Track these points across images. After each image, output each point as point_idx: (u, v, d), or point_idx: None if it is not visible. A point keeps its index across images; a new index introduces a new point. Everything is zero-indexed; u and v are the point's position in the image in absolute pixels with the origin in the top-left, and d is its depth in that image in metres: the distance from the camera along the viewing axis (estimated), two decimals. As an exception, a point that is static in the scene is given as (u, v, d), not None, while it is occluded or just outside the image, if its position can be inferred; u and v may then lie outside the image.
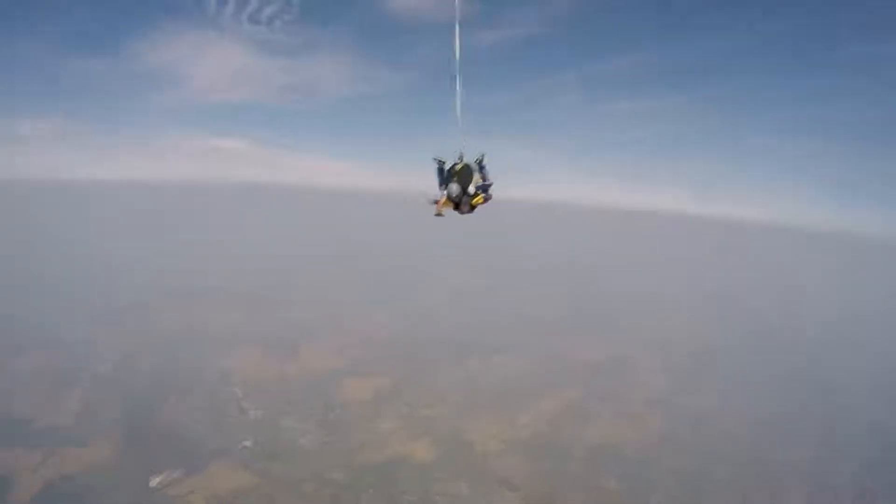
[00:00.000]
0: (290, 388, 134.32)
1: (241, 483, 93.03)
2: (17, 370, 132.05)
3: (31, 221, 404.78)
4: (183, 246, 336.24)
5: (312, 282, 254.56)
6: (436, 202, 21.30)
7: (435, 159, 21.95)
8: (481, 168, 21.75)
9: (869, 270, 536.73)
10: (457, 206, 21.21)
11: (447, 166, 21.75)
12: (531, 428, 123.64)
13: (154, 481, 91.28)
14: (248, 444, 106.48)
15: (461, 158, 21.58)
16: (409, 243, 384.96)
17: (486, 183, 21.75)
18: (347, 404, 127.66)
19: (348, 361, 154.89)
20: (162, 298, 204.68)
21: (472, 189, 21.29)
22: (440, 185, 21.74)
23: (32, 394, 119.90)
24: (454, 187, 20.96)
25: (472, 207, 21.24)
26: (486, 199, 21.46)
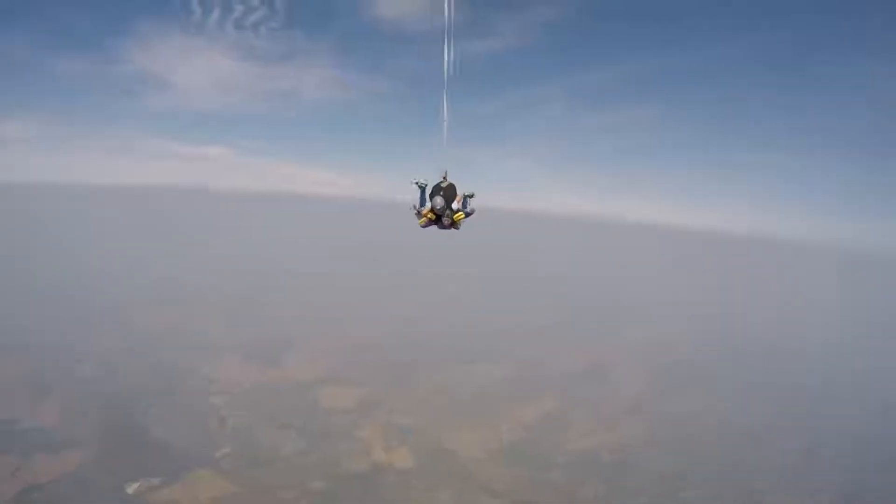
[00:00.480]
0: (270, 395, 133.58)
1: (219, 491, 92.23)
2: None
3: (10, 223, 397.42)
4: (165, 251, 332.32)
5: (294, 289, 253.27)
6: (418, 211, 21.47)
7: (415, 183, 21.66)
8: (465, 202, 21.87)
9: (851, 282, 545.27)
10: (438, 219, 21.44)
11: (429, 187, 21.65)
12: (512, 435, 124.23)
13: (131, 488, 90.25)
14: (227, 451, 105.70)
15: (446, 177, 21.59)
16: (392, 251, 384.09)
17: (468, 210, 21.99)
18: (329, 412, 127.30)
19: (330, 369, 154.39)
20: (143, 304, 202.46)
21: (455, 205, 21.53)
22: (421, 203, 21.66)
23: (10, 397, 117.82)
24: (439, 200, 21.19)
25: (453, 223, 21.57)
26: (466, 215, 21.78)
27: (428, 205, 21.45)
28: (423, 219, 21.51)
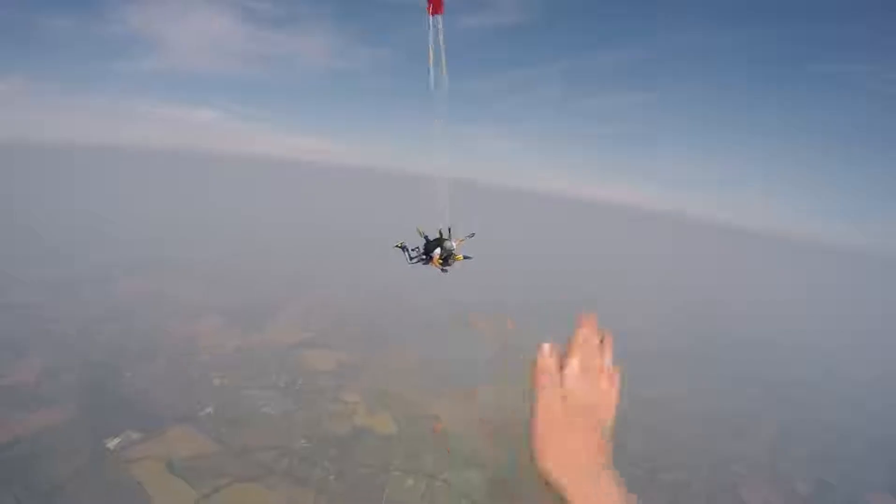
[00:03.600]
0: (254, 357, 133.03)
1: (199, 449, 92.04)
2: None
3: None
4: (150, 214, 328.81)
5: (281, 255, 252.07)
6: (402, 247, 21.55)
7: (398, 246, 21.73)
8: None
9: (834, 276, 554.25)
10: (444, 262, 21.64)
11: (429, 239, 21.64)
12: (495, 408, 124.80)
13: (111, 443, 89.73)
14: (209, 410, 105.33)
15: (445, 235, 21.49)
16: (381, 220, 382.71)
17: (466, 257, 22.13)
18: (312, 375, 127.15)
19: (314, 334, 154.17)
20: (127, 266, 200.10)
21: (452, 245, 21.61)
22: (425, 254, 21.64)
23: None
24: (448, 246, 21.37)
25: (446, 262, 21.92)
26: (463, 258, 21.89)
27: (435, 254, 21.39)
28: (435, 264, 21.62)
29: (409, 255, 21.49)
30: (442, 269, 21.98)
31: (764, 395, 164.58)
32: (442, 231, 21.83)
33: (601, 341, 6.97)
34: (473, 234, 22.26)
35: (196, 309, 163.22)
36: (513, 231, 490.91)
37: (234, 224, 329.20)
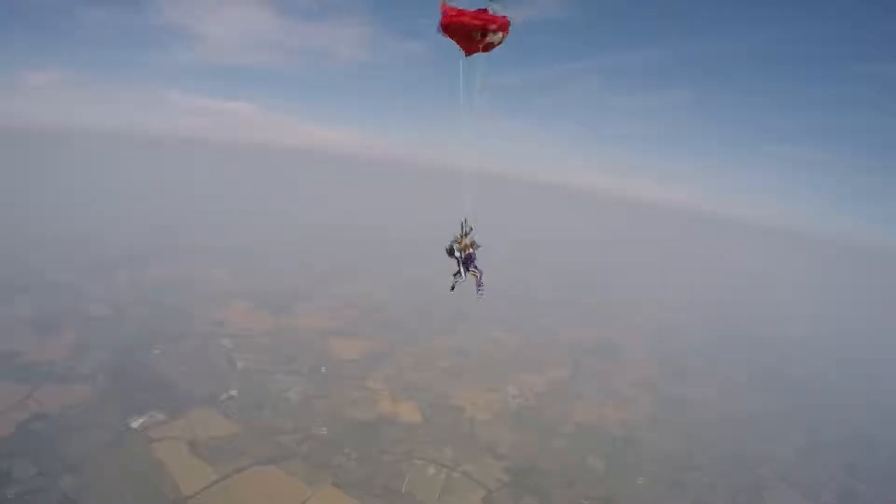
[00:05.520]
0: (280, 343, 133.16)
1: (222, 430, 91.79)
2: (10, 310, 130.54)
3: (35, 169, 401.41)
4: (183, 201, 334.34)
5: (311, 244, 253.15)
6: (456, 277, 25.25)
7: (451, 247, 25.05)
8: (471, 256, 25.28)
9: (867, 279, 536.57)
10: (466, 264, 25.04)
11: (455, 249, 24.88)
12: (519, 400, 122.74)
13: (135, 423, 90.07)
14: (233, 393, 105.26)
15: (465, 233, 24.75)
16: (411, 213, 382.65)
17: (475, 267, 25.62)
18: (337, 362, 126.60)
19: (340, 322, 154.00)
20: (159, 251, 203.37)
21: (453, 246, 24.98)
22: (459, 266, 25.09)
23: (23, 332, 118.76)
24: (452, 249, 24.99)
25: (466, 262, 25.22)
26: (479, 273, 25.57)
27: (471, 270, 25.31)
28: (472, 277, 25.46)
29: (460, 269, 24.97)
30: (477, 286, 25.58)
31: (794, 396, 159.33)
32: (463, 223, 24.54)
33: None
34: (472, 229, 24.74)
35: (225, 294, 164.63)
36: (544, 226, 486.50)
37: (266, 213, 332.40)
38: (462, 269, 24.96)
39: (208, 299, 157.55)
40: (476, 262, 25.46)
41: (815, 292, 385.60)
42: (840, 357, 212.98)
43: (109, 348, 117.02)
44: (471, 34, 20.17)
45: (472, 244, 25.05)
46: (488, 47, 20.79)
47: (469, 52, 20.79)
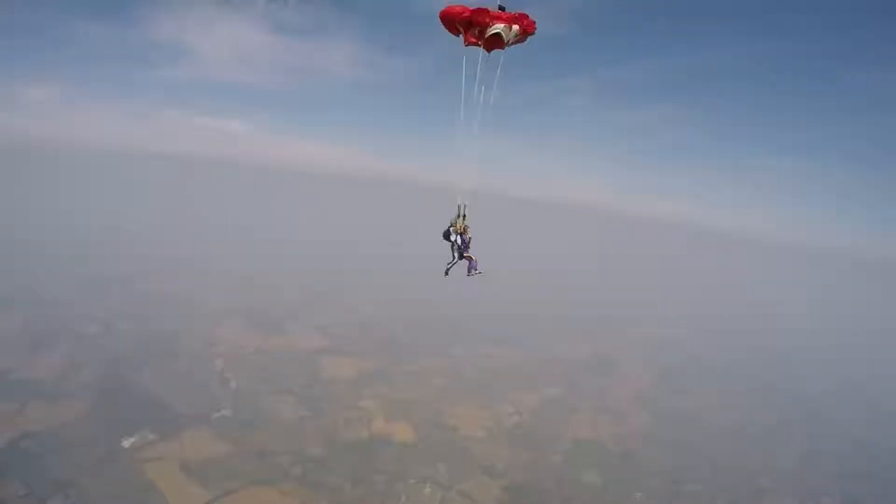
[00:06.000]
0: (273, 362, 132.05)
1: (213, 450, 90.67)
2: (1, 325, 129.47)
3: (31, 184, 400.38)
4: (177, 219, 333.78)
5: (305, 262, 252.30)
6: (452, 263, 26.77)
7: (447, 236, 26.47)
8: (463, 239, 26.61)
9: (863, 290, 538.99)
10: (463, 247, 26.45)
11: (452, 233, 26.18)
12: (515, 418, 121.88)
13: (127, 442, 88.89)
14: (226, 413, 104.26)
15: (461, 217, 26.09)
16: (406, 231, 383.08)
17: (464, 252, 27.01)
18: (330, 382, 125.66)
19: (334, 341, 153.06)
20: (153, 268, 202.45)
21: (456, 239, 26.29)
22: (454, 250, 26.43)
23: (14, 348, 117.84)
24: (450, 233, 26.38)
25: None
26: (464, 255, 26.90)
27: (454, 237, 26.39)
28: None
29: (454, 254, 26.22)
30: (469, 268, 26.87)
31: (793, 407, 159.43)
32: (460, 206, 25.60)
33: None
34: (466, 216, 25.95)
35: (218, 312, 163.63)
36: (542, 244, 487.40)
37: (260, 232, 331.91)
38: (456, 254, 26.23)
39: (201, 318, 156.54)
40: (469, 250, 26.78)
41: (814, 304, 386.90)
42: (839, 368, 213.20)
43: (101, 366, 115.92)
44: (467, 25, 21.49)
45: (467, 229, 26.35)
46: (498, 42, 21.89)
47: (469, 41, 21.94)
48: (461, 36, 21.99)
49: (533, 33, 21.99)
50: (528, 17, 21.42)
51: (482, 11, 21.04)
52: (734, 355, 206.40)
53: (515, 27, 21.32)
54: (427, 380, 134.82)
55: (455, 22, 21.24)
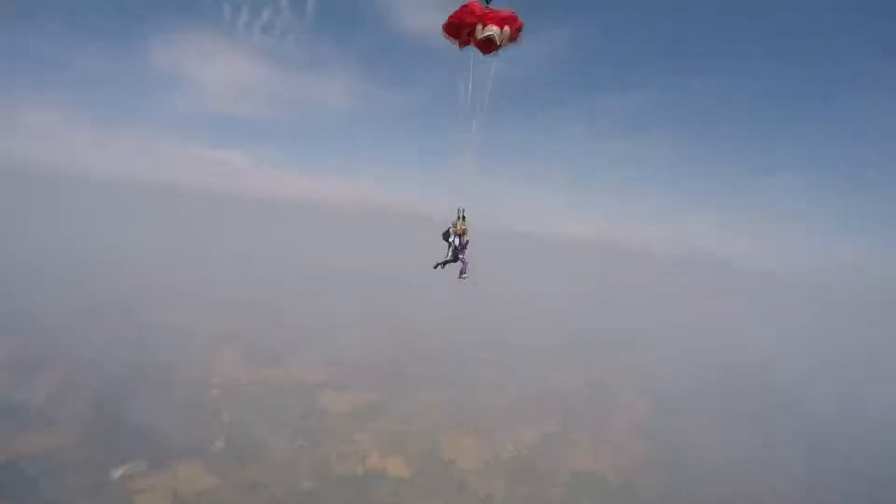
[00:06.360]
0: (268, 394, 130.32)
1: (205, 483, 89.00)
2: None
3: (28, 209, 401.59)
4: (175, 249, 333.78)
5: (302, 294, 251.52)
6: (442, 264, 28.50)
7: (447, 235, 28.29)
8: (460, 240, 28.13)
9: (855, 317, 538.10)
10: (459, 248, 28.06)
11: (451, 233, 27.88)
12: (513, 450, 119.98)
13: (117, 471, 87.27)
14: (219, 444, 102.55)
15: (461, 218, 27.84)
16: (404, 263, 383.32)
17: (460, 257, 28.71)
18: (326, 415, 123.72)
19: (331, 374, 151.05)
20: (150, 296, 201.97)
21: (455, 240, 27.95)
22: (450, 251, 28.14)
23: (10, 372, 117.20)
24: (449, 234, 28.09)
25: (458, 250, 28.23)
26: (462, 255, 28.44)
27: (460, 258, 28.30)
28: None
29: (448, 253, 27.85)
30: (460, 272, 28.64)
31: (792, 432, 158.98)
32: (459, 210, 27.32)
33: None
34: (465, 219, 27.68)
35: (215, 341, 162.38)
36: (536, 273, 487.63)
37: (260, 261, 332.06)
38: (451, 253, 27.77)
39: (198, 347, 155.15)
40: (465, 253, 28.33)
41: (812, 331, 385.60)
42: (838, 392, 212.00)
43: (96, 392, 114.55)
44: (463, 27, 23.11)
45: (466, 231, 27.89)
46: (492, 45, 23.52)
47: (463, 42, 23.62)
48: (457, 42, 23.91)
49: (521, 32, 23.69)
50: (516, 18, 22.90)
51: (469, 8, 22.75)
52: (731, 381, 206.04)
53: (506, 29, 23.00)
54: (424, 413, 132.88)
55: (455, 26, 22.86)
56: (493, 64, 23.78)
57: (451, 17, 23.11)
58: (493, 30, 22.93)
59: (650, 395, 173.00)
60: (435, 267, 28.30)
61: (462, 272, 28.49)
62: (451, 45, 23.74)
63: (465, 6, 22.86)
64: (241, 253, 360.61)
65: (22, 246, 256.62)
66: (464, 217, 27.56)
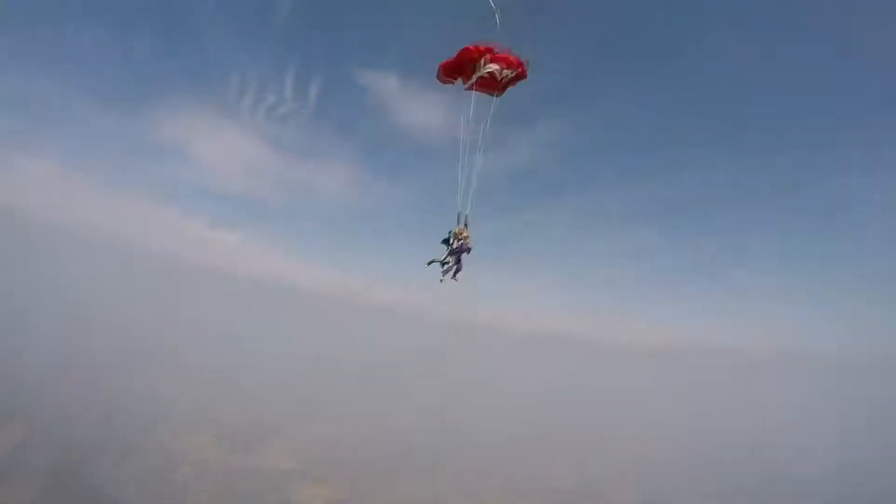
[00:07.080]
0: (239, 480, 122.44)
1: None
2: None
3: (13, 258, 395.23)
4: (162, 317, 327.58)
5: (283, 378, 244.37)
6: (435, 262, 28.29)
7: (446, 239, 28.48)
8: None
9: (861, 395, 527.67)
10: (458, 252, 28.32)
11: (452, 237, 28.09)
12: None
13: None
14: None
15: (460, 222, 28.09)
16: (390, 355, 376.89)
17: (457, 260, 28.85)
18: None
19: (306, 464, 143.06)
20: (127, 361, 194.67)
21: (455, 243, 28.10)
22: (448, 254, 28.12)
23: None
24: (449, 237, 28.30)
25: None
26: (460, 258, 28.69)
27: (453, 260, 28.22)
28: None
29: (445, 259, 27.87)
30: (454, 273, 28.19)
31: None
32: (459, 215, 27.72)
33: None
34: (467, 225, 27.92)
35: (189, 417, 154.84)
36: (523, 370, 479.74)
37: (243, 343, 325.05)
38: (449, 256, 27.75)
39: (171, 420, 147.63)
40: (463, 256, 28.41)
41: (805, 416, 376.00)
42: (825, 480, 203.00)
43: (52, 454, 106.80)
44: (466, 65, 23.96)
45: (467, 238, 28.01)
46: (493, 83, 24.13)
47: (466, 79, 24.41)
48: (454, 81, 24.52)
49: (524, 74, 24.39)
50: (522, 64, 23.62)
51: (472, 47, 23.60)
52: (721, 469, 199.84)
53: (507, 71, 23.74)
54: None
55: (454, 65, 23.41)
56: (495, 102, 24.80)
57: (448, 60, 23.96)
58: (494, 66, 23.85)
59: (642, 488, 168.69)
60: (428, 264, 28.01)
61: (456, 272, 28.07)
62: (448, 85, 25.48)
63: (465, 47, 23.86)
64: (229, 331, 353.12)
65: (2, 294, 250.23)
66: (466, 224, 27.82)
